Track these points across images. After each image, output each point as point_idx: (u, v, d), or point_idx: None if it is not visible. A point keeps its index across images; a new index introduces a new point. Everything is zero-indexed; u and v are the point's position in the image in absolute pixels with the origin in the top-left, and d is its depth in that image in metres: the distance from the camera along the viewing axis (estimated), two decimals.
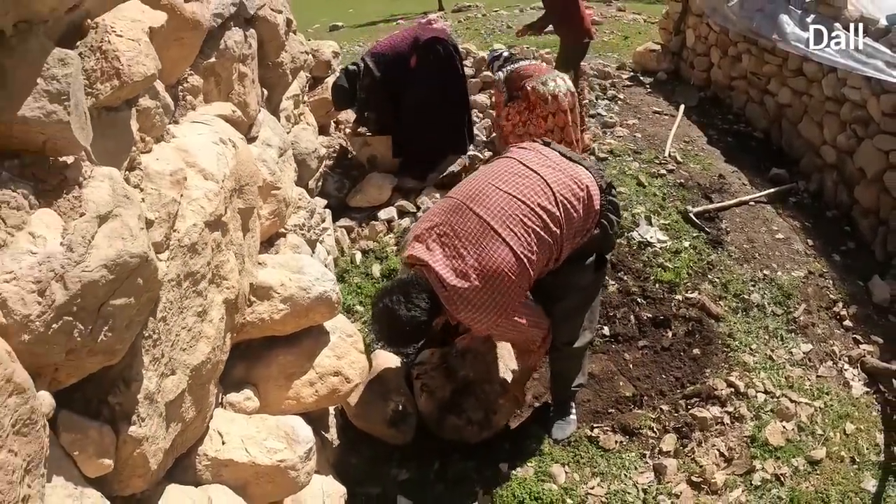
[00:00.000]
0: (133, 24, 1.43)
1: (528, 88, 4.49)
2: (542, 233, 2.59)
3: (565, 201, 2.65)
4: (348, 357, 2.48)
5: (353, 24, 12.44)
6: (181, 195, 1.42)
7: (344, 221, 4.54)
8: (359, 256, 4.23)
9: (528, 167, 2.75)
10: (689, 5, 7.45)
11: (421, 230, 2.69)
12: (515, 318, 2.67)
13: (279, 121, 3.39)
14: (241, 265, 1.89)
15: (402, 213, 4.55)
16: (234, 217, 1.81)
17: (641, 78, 7.31)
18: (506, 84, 4.65)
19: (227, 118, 2.08)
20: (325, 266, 3.66)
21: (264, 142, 2.69)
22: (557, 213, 2.63)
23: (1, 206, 1.03)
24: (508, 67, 4.69)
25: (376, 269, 4.08)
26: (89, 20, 1.45)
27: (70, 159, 1.16)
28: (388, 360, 3.34)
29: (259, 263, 2.28)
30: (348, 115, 5.57)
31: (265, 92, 2.98)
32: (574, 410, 3.38)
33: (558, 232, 2.63)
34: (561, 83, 4.54)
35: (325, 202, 4.44)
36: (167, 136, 1.72)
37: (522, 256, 2.53)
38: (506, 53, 4.98)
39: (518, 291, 2.59)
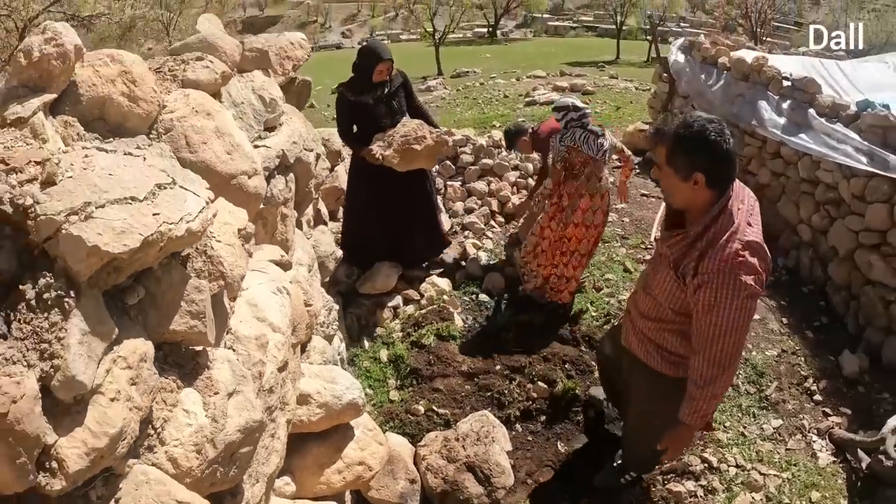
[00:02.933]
0: (225, 228, 2.05)
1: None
2: None
3: None
4: (370, 448, 3.06)
5: None
6: (266, 355, 2.02)
7: (353, 307, 5.13)
8: (367, 342, 4.82)
9: None
10: (675, 87, 8.14)
11: None
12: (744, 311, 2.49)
13: (303, 227, 4.01)
14: (295, 386, 2.49)
15: (408, 301, 5.15)
16: (291, 352, 2.41)
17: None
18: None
19: (277, 262, 2.69)
20: (339, 353, 4.25)
21: (297, 262, 3.30)
22: None
23: (162, 391, 1.63)
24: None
25: (384, 355, 4.67)
26: None
27: (199, 347, 1.77)
28: (398, 443, 3.90)
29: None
30: None
31: (296, 214, 3.60)
32: (627, 481, 3.86)
33: None
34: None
35: (336, 288, 5.04)
36: (239, 290, 2.33)
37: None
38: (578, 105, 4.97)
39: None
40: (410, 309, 5.08)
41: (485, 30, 40.35)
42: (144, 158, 1.88)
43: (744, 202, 2.56)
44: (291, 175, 3.21)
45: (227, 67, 2.89)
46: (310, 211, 4.24)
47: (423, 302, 5.11)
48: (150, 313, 1.62)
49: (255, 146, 3.00)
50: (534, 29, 41.23)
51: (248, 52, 3.39)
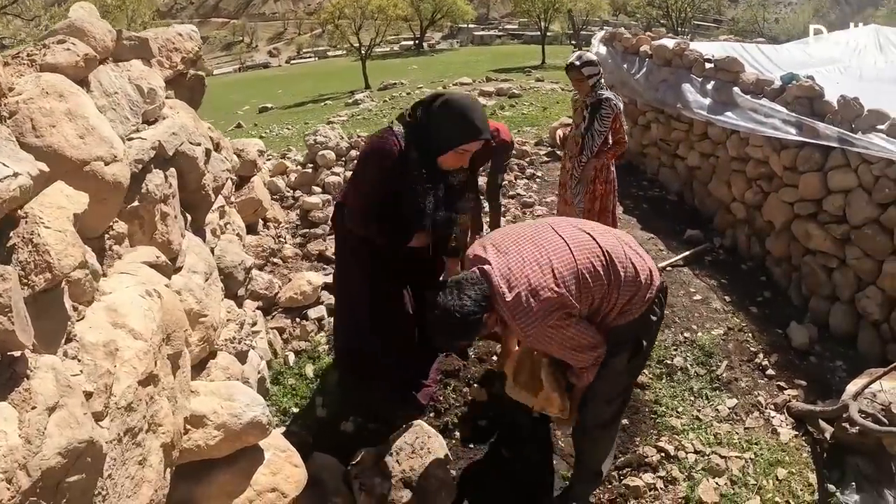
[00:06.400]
0: (59, 212, 1.70)
1: None
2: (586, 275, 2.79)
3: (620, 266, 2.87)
4: (283, 472, 2.71)
5: (282, 105, 12.87)
6: (115, 365, 1.67)
7: (275, 322, 4.77)
8: (292, 357, 4.45)
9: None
10: None
11: (481, 241, 3.02)
12: (565, 331, 2.78)
13: (206, 236, 3.65)
14: (174, 405, 2.12)
15: (332, 312, 4.79)
16: (164, 364, 2.06)
17: (559, 153, 7.83)
18: None
19: (152, 264, 2.34)
20: (259, 371, 3.89)
21: (190, 269, 2.94)
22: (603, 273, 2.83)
23: None
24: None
25: (310, 370, 4.31)
26: (19, 210, 1.70)
27: (16, 353, 1.41)
28: (324, 463, 3.54)
29: (192, 392, 2.51)
30: (276, 213, 5.86)
31: (188, 217, 3.24)
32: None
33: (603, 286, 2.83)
34: None
35: (256, 304, 4.67)
36: (97, 294, 1.97)
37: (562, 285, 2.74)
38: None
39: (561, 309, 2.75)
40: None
41: (411, 42, 40.45)
42: None
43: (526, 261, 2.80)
44: (173, 170, 2.86)
45: (91, 50, 2.57)
46: (213, 218, 3.88)
47: None
48: None
49: (129, 139, 2.67)
50: (460, 39, 41.65)
51: (126, 40, 3.10)
